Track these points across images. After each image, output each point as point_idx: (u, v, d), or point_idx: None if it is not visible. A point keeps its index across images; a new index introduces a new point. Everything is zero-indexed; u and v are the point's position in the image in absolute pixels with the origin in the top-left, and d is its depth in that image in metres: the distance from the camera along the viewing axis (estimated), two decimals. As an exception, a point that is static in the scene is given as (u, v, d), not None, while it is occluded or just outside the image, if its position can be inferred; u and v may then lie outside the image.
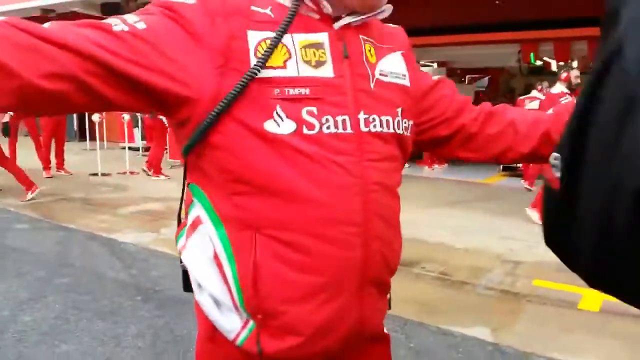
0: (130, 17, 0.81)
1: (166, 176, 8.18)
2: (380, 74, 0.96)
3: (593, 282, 0.57)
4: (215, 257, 0.89)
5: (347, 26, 0.91)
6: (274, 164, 0.83)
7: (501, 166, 8.96)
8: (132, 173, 8.56)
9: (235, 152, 0.83)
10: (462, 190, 7.73)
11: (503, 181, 8.60)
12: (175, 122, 0.88)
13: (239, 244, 0.86)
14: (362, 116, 0.89)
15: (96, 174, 8.35)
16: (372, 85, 0.93)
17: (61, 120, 8.43)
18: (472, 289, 3.74)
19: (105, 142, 11.23)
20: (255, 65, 0.82)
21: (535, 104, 7.23)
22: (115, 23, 0.78)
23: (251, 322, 0.88)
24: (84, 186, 7.61)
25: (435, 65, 12.80)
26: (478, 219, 5.83)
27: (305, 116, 0.83)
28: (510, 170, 8.86)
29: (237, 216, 0.86)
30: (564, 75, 5.96)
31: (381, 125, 0.92)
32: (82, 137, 12.37)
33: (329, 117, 0.85)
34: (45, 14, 9.95)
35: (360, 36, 0.94)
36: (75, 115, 12.23)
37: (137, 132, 11.28)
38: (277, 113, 0.82)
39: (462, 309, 3.39)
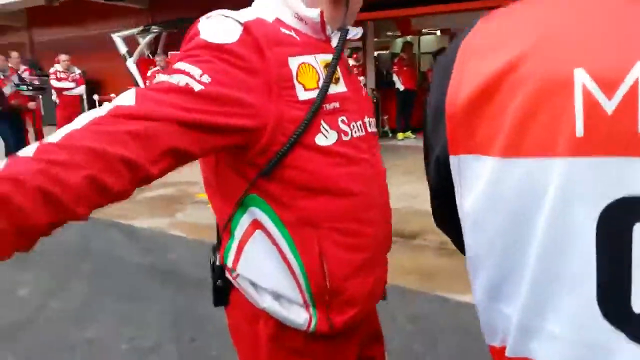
0: (194, 70, 0.85)
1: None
2: (363, 84, 1.16)
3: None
4: (282, 256, 1.00)
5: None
6: (327, 169, 0.98)
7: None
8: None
9: (298, 166, 0.96)
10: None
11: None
12: (235, 150, 0.95)
13: (303, 240, 0.99)
14: (367, 119, 1.09)
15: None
16: (363, 93, 1.14)
17: (72, 113, 8.68)
18: (469, 256, 3.95)
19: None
20: (319, 96, 0.95)
21: None
22: (190, 83, 0.83)
23: (311, 309, 1.02)
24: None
25: (438, 32, 12.73)
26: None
27: (341, 125, 1.00)
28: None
29: (298, 216, 0.98)
30: None
31: (374, 125, 1.14)
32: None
33: (354, 123, 1.03)
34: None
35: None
36: (86, 102, 12.44)
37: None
38: (323, 127, 0.97)
39: (458, 276, 3.60)
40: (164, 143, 0.80)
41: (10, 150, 6.88)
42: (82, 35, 13.29)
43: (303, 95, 0.95)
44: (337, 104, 1.00)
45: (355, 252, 1.04)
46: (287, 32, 0.98)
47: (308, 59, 0.97)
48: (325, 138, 0.97)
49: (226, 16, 0.94)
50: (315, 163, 0.97)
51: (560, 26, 0.64)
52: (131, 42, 11.01)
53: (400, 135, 9.82)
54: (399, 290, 3.38)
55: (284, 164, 0.95)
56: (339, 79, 1.03)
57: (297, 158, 0.95)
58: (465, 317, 3.05)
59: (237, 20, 0.92)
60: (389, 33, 12.53)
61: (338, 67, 1.02)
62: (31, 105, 7.65)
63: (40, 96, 8.38)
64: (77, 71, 8.95)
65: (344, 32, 1.03)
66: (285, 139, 0.93)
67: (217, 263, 1.11)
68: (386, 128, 10.05)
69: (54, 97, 8.78)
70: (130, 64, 11.00)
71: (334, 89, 1.00)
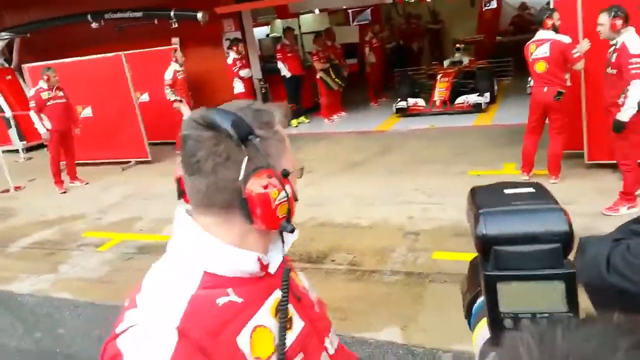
0: None
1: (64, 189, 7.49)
2: (306, 291, 1.00)
3: None
4: None
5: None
6: None
7: (394, 108, 9.19)
8: (17, 188, 7.85)
9: None
10: (361, 144, 7.84)
11: (397, 125, 8.81)
12: None
13: None
14: (327, 343, 0.97)
15: (-26, 199, 7.55)
16: (316, 308, 0.99)
17: None
18: (380, 277, 3.90)
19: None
20: None
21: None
22: None
23: None
24: (-37, 218, 6.87)
25: (316, 11, 12.59)
26: (378, 181, 5.98)
27: None
28: (402, 111, 9.08)
29: None
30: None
31: (334, 336, 1.01)
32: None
33: None
34: None
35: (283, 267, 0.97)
36: None
37: (13, 133, 10.26)
38: None
39: (372, 305, 3.54)
40: None
41: None
42: None
43: None
44: (300, 356, 0.87)
45: None
46: (224, 299, 0.81)
47: (258, 318, 0.83)
48: None
49: (154, 323, 0.75)
50: None
51: None
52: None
53: (294, 122, 9.64)
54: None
55: None
56: (291, 319, 0.88)
57: None
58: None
59: (168, 326, 0.74)
60: (268, 16, 12.19)
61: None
62: None
63: None
64: None
65: (286, 271, 0.88)
66: None
67: None
68: (278, 118, 9.81)
69: None
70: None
71: (290, 338, 0.86)
